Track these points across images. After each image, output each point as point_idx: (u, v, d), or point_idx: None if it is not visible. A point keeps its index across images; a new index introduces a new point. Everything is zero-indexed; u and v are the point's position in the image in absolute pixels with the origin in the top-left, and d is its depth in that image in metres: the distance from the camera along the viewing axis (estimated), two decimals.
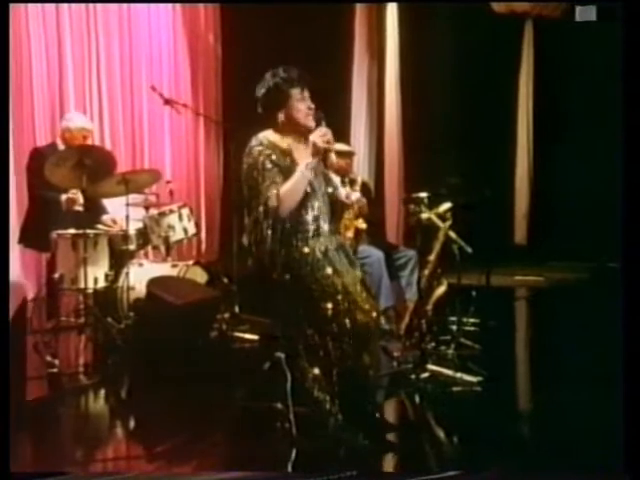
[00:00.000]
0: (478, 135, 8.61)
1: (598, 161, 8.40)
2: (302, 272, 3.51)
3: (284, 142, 3.58)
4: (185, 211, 5.59)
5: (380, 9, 8.61)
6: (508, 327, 5.86)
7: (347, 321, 3.50)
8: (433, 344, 4.79)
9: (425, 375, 4.39)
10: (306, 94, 3.59)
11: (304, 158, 3.51)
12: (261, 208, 3.46)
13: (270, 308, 3.77)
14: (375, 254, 5.31)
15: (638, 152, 2.62)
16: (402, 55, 8.61)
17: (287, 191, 3.46)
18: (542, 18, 9.13)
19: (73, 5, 6.60)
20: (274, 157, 3.51)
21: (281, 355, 3.71)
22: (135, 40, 7.15)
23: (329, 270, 3.53)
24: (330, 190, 3.72)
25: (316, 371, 3.52)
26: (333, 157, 3.60)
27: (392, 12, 8.60)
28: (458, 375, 4.39)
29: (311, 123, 3.56)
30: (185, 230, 5.55)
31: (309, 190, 3.55)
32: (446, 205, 4.94)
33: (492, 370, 4.44)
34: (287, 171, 3.51)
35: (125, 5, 7.00)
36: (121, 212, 5.27)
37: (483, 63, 8.63)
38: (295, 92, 3.56)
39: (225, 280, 5.58)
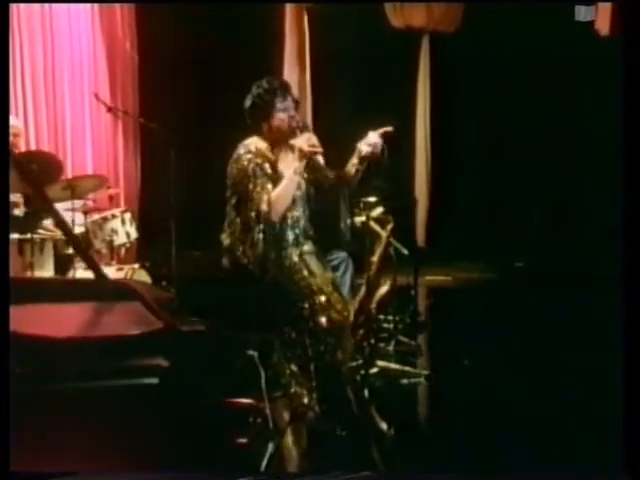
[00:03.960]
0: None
1: (498, 166, 9.02)
2: (283, 275, 3.72)
3: (271, 152, 3.77)
4: (127, 216, 5.67)
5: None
6: (435, 324, 6.18)
7: (323, 319, 3.74)
8: (373, 341, 5.05)
9: (374, 370, 4.58)
10: (288, 103, 3.78)
11: (290, 166, 3.71)
12: (253, 213, 3.64)
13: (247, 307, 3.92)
14: None
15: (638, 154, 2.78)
16: (312, 62, 8.72)
17: (278, 196, 3.65)
18: (438, 33, 9.54)
19: None
20: (264, 165, 3.69)
21: (254, 353, 3.89)
22: (57, 42, 7.07)
23: (305, 272, 3.76)
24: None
25: (293, 367, 3.74)
26: (320, 160, 3.81)
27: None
28: (407, 369, 4.67)
29: (293, 131, 3.76)
30: (128, 234, 5.62)
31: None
32: (380, 208, 5.21)
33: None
34: (275, 180, 3.70)
35: (47, 6, 6.92)
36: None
37: (384, 75, 8.93)
38: (277, 101, 3.75)
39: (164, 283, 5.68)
